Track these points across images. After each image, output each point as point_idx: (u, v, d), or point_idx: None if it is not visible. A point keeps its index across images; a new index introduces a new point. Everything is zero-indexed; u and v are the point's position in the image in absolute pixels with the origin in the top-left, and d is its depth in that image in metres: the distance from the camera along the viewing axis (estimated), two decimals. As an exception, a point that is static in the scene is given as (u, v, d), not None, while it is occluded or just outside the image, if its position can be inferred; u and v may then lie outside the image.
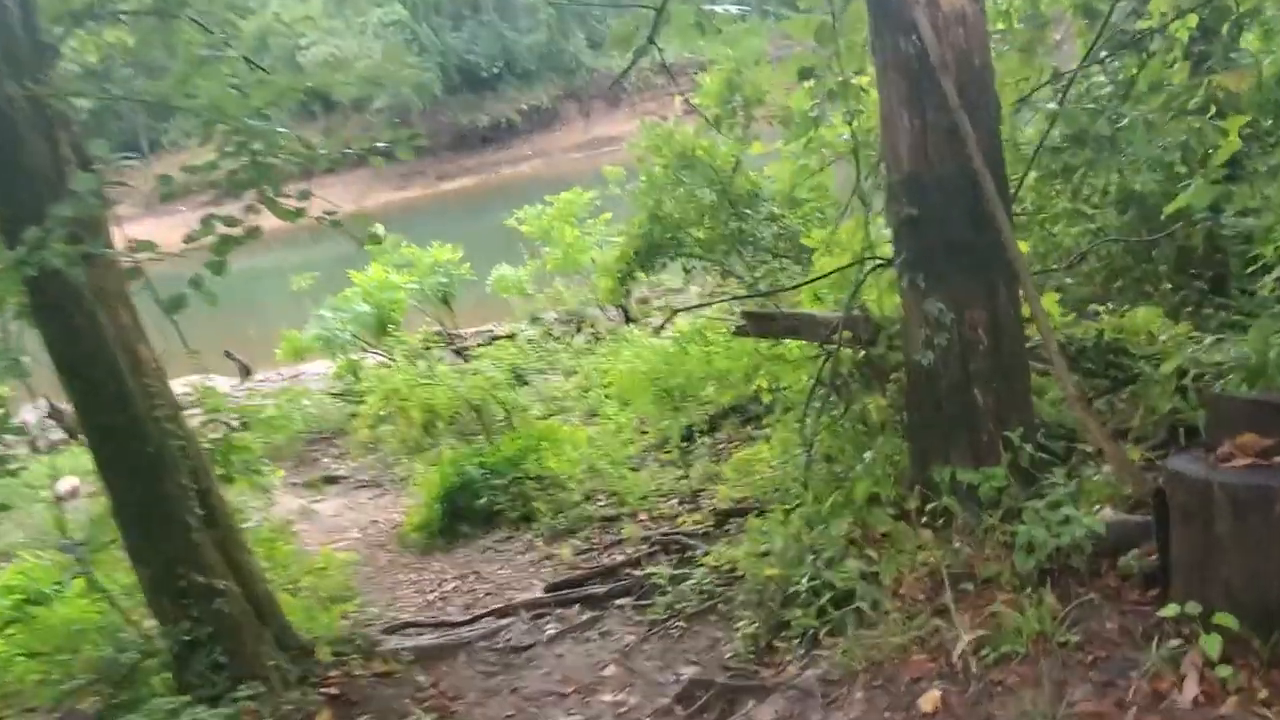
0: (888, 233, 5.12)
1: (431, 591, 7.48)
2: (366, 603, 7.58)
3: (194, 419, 6.78)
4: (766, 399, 7.86)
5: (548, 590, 6.42)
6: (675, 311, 9.38)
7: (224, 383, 20.40)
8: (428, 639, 5.89)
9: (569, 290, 16.53)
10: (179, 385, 18.99)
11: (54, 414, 17.39)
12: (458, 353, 16.05)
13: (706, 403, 9.85)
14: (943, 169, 4.48)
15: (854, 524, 4.71)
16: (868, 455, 4.92)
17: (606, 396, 11.77)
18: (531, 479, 8.62)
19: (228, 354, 20.08)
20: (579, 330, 16.15)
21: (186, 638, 4.49)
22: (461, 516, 8.51)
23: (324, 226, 4.36)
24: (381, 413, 9.80)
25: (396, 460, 11.16)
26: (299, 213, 4.22)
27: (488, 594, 7.07)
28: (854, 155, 5.47)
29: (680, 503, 7.96)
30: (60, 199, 3.86)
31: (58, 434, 17.48)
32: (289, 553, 8.10)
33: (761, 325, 6.01)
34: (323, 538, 10.35)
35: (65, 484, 14.36)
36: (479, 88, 43.23)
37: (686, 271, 11.17)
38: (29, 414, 18.63)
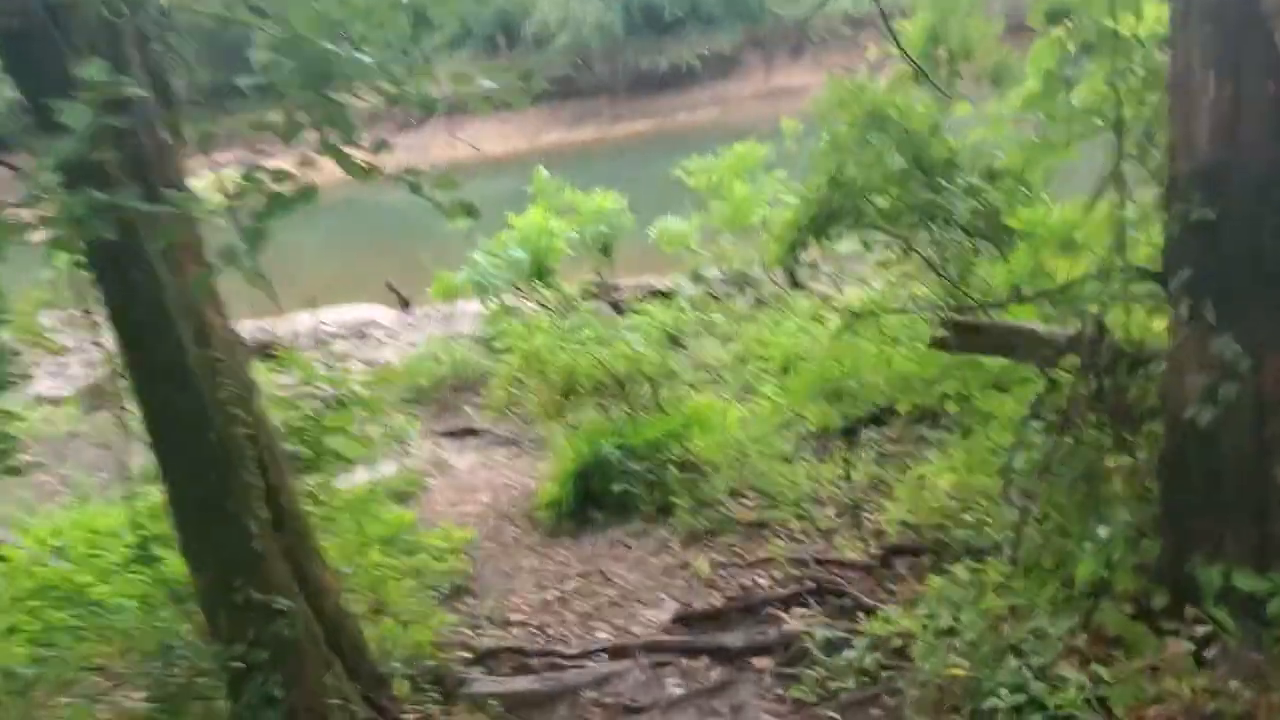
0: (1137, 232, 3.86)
1: (551, 588, 6.63)
2: (483, 588, 6.82)
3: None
4: (952, 408, 6.65)
5: (676, 621, 5.45)
6: (854, 316, 8.12)
7: (384, 314, 20.30)
8: (524, 683, 4.95)
9: (735, 249, 15.38)
10: (336, 315, 18.80)
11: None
12: (613, 305, 15.20)
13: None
14: (1258, 159, 3.19)
15: (1078, 620, 3.52)
16: (1102, 530, 3.70)
17: (764, 371, 10.69)
18: (674, 463, 7.64)
19: (389, 285, 19.86)
20: (742, 293, 15.03)
21: (239, 662, 3.72)
22: (594, 500, 7.61)
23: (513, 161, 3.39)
24: (519, 375, 8.98)
25: (535, 420, 10.39)
26: (368, 170, 3.27)
27: (611, 603, 6.16)
28: (1115, 129, 4.15)
29: (838, 514, 6.84)
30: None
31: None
32: (403, 523, 7.40)
33: (968, 339, 4.82)
34: (454, 495, 9.70)
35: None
36: (660, 30, 41.86)
37: (866, 246, 9.90)
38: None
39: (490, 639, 5.81)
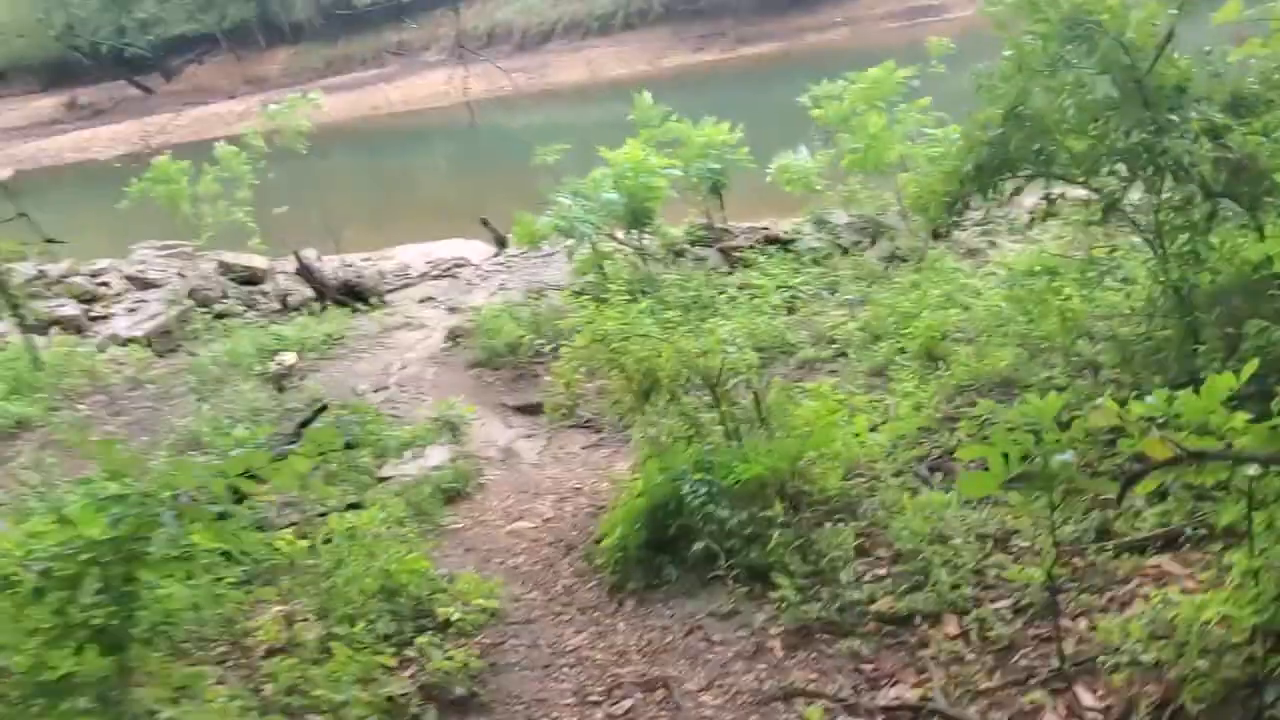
0: None
1: (597, 698, 4.57)
2: (500, 694, 4.79)
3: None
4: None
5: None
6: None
7: (479, 253, 18.38)
8: None
9: (866, 192, 12.86)
10: (430, 252, 16.95)
11: (302, 270, 15.86)
12: (724, 254, 12.91)
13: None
14: None
15: None
16: None
17: (901, 353, 8.32)
18: (782, 498, 5.45)
19: (484, 222, 17.92)
20: (873, 243, 12.53)
21: None
22: (667, 549, 5.51)
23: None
24: (586, 365, 6.85)
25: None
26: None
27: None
28: None
29: (1018, 614, 4.51)
30: None
31: (306, 292, 15.99)
32: (415, 572, 5.43)
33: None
34: (510, 502, 7.72)
35: (281, 360, 12.65)
36: (791, -57, 38.50)
37: (1049, 200, 7.38)
38: (281, 269, 17.33)
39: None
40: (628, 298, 7.80)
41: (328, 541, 5.68)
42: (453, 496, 7.91)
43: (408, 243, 19.39)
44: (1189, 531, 4.56)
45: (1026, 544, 4.92)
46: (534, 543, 6.72)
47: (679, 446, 5.68)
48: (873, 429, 6.45)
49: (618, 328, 6.52)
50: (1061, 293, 7.78)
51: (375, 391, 10.95)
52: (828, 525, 5.38)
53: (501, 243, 17.27)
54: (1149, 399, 3.08)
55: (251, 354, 12.29)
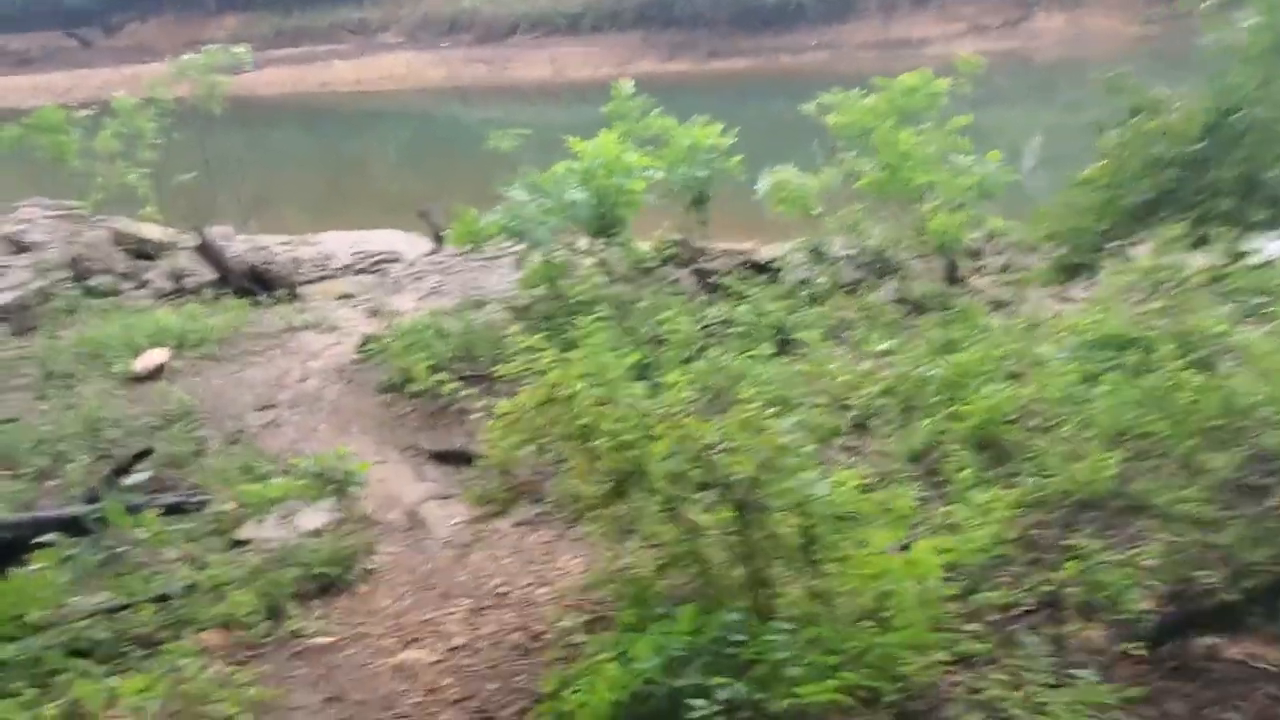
0: None
1: None
2: None
3: None
4: None
5: None
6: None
7: (412, 247, 15.88)
8: None
9: (875, 222, 10.72)
10: (358, 242, 14.36)
11: (204, 248, 13.21)
12: (701, 277, 10.66)
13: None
14: None
15: None
16: None
17: (952, 442, 6.07)
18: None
19: (421, 214, 15.42)
20: (879, 282, 10.39)
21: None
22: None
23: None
24: (532, 435, 4.49)
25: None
26: None
27: None
28: None
29: None
30: None
31: (208, 274, 13.34)
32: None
33: None
34: (407, 608, 5.35)
35: (149, 359, 10.09)
36: (772, -39, 36.48)
37: (1199, 244, 5.21)
38: (184, 245, 14.58)
39: None
40: (598, 335, 5.49)
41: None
42: (327, 586, 5.53)
43: (337, 230, 16.82)
44: None
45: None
46: (430, 695, 4.37)
47: (687, 613, 3.35)
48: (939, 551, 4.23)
49: (586, 386, 4.22)
50: (1173, 375, 5.72)
51: (259, 410, 8.49)
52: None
53: (440, 239, 14.80)
54: None
55: (118, 345, 9.73)
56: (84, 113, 13.00)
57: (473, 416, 7.27)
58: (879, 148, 8.93)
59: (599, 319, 5.92)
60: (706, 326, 8.46)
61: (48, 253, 14.44)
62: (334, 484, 6.05)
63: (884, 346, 7.85)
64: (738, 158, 10.13)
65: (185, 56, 12.85)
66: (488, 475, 4.55)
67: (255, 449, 7.45)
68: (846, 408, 7.10)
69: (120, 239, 14.12)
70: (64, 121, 12.55)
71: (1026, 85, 29.29)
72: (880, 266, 10.62)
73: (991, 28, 33.17)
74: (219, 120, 14.10)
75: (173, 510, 5.38)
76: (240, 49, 12.96)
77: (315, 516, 6.14)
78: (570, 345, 5.61)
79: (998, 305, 9.62)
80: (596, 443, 4.13)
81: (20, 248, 15.06)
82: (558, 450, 4.51)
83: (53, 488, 6.88)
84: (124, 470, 5.88)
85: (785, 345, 8.44)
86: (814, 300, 9.59)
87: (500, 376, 8.42)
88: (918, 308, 9.28)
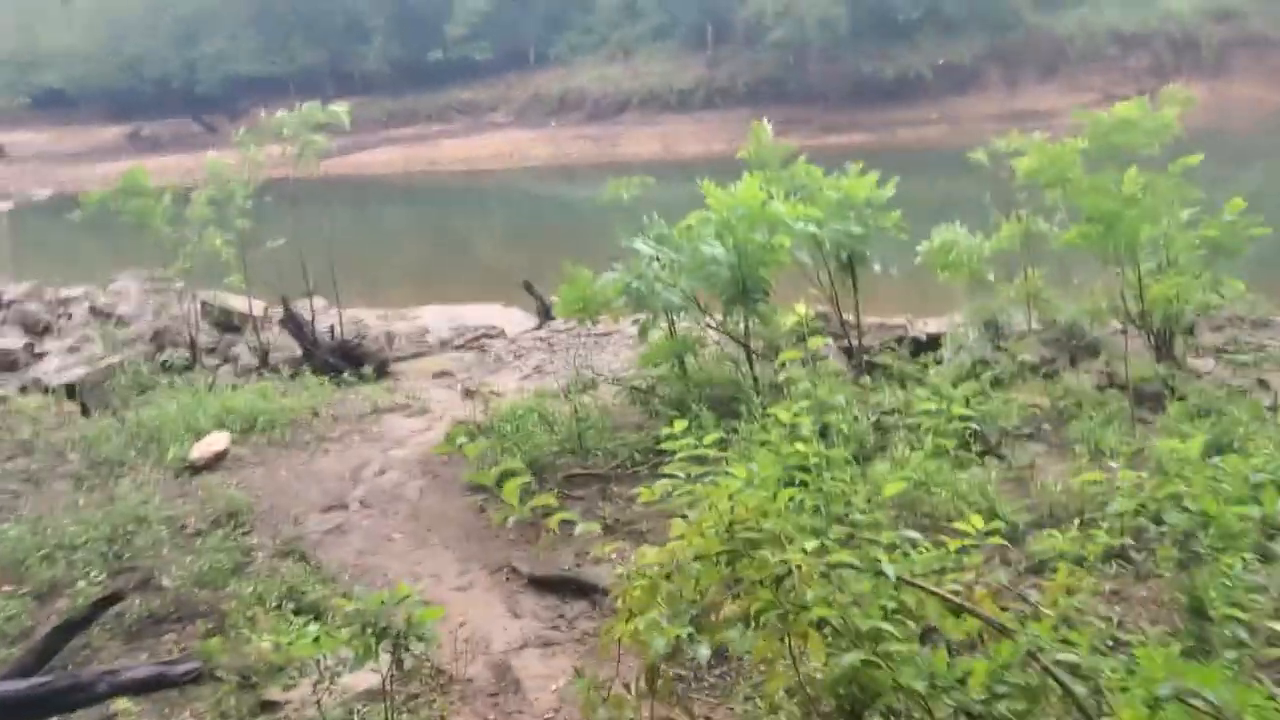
0: None
1: None
2: None
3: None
4: None
5: None
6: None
7: (515, 322, 14.44)
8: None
9: (1062, 289, 8.76)
10: (457, 316, 12.77)
11: (288, 321, 11.97)
12: (849, 355, 8.83)
13: None
14: None
15: None
16: None
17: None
18: None
19: (526, 286, 13.99)
20: (1072, 364, 8.37)
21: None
22: None
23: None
24: (685, 593, 2.72)
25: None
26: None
27: None
28: None
29: None
30: None
31: (295, 349, 12.10)
32: None
33: None
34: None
35: (208, 445, 8.67)
36: (890, 33, 34.80)
37: None
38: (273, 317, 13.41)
39: None
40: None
41: None
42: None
43: (437, 304, 15.55)
44: None
45: None
46: None
47: None
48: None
49: (758, 523, 2.43)
50: None
51: (324, 511, 6.92)
52: None
53: (545, 313, 13.32)
54: None
55: (178, 429, 8.36)
56: (188, 186, 12.01)
57: (586, 538, 5.51)
58: (1088, 195, 6.99)
59: (798, 413, 4.10)
60: (878, 419, 6.61)
61: (134, 326, 13.48)
62: (389, 638, 4.28)
63: (1129, 447, 5.83)
64: (896, 212, 8.35)
65: (280, 113, 11.72)
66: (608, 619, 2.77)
67: (310, 564, 5.85)
68: (1082, 520, 5.13)
69: (206, 311, 13.06)
70: (149, 185, 11.52)
71: (1166, 157, 26.89)
72: (1074, 344, 8.62)
73: (1126, 98, 30.79)
74: (327, 196, 13.00)
75: (149, 687, 3.72)
76: (339, 106, 11.77)
77: (368, 674, 4.41)
78: (721, 445, 3.86)
79: (1235, 393, 7.52)
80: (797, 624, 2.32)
81: (108, 319, 14.18)
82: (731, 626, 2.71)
83: (58, 609, 5.40)
84: (81, 623, 4.26)
85: (975, 441, 6.50)
86: (996, 384, 7.65)
87: (618, 474, 6.58)
88: (1138, 396, 7.23)
